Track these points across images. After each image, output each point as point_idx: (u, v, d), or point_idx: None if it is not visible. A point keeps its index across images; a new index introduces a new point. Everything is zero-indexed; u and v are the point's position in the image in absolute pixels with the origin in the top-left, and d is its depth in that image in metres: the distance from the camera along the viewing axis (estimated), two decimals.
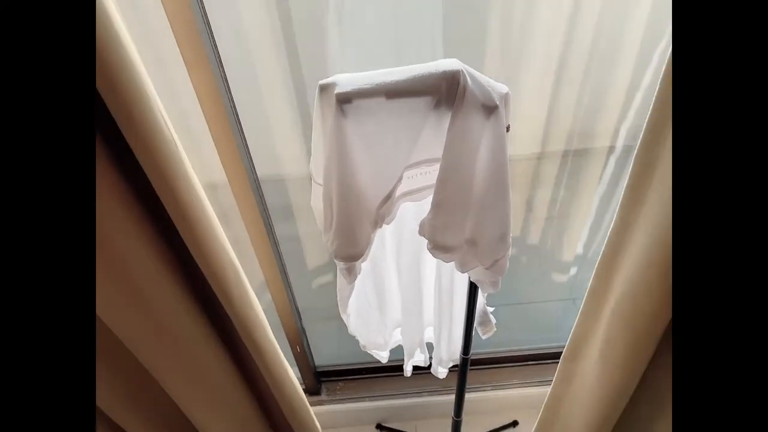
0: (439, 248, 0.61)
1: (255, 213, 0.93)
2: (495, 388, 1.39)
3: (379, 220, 0.63)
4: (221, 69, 0.77)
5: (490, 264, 0.63)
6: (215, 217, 0.66)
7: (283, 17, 0.90)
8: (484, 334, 0.92)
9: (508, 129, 0.57)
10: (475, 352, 1.42)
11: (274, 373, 0.85)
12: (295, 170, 1.11)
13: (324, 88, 0.52)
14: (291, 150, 1.07)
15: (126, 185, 0.56)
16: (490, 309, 0.89)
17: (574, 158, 1.20)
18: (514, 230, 1.35)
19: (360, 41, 0.95)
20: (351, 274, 0.67)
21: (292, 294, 1.15)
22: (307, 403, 1.03)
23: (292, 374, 0.94)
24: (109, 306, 0.60)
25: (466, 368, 0.97)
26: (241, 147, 0.84)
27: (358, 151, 0.55)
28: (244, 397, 0.95)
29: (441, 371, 0.96)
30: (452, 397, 1.37)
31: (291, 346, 1.25)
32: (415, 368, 1.36)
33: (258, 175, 0.94)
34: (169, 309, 0.68)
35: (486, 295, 0.85)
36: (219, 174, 0.90)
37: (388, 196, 0.60)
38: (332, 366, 1.44)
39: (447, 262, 0.63)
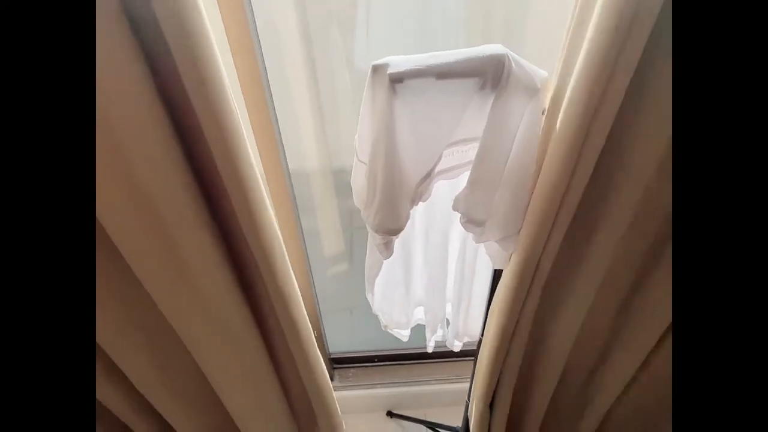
0: (472, 222, 0.64)
1: (287, 204, 0.97)
2: None
3: (416, 198, 0.67)
4: (262, 58, 0.81)
5: (500, 237, 0.67)
6: (267, 196, 0.69)
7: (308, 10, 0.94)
8: None
9: (544, 112, 0.62)
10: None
11: (307, 351, 0.89)
12: (316, 165, 1.15)
13: (377, 69, 0.56)
14: (314, 144, 1.11)
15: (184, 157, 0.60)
16: None
17: None
18: None
19: (385, 34, 1.00)
20: (388, 249, 0.71)
21: (313, 281, 1.19)
22: (330, 385, 1.06)
23: (319, 355, 0.97)
24: (153, 273, 0.63)
25: None
26: (278, 138, 0.88)
27: (405, 129, 0.59)
28: (267, 373, 0.98)
29: (456, 344, 1.00)
30: (461, 386, 1.41)
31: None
32: (426, 356, 1.40)
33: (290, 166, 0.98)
34: (207, 276, 0.72)
35: None
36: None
37: (428, 174, 0.64)
38: (345, 353, 1.47)
39: (477, 236, 0.67)
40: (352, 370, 1.49)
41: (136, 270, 0.64)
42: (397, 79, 0.55)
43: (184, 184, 0.62)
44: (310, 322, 1.25)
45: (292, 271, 0.79)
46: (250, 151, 0.61)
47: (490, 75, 0.55)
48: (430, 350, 1.02)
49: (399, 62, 0.56)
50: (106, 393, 0.87)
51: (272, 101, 0.86)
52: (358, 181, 0.69)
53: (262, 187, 0.66)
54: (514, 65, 0.55)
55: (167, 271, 0.67)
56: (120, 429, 1.08)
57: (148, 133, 0.54)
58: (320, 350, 1.33)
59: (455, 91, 0.57)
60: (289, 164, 0.97)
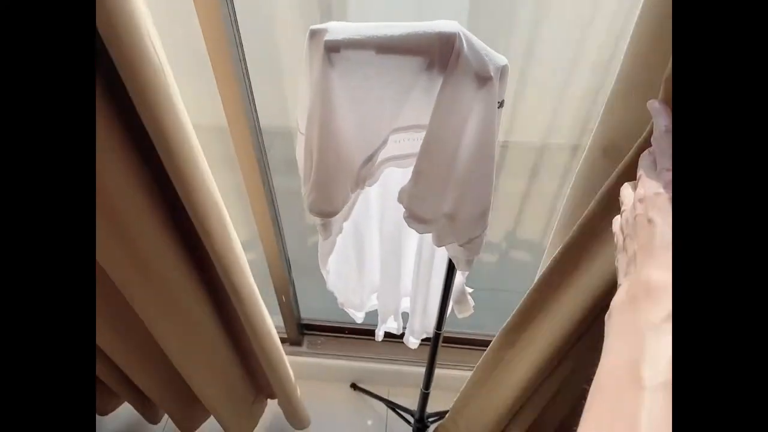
0: (414, 218, 0.59)
1: (252, 161, 0.92)
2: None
3: (360, 181, 0.62)
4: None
5: (465, 241, 0.62)
6: (201, 153, 0.65)
7: None
8: (460, 312, 0.91)
9: (501, 105, 0.55)
10: (462, 331, 1.43)
11: (251, 316, 0.87)
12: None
13: (314, 34, 0.50)
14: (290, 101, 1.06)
15: (113, 110, 0.56)
16: (469, 290, 0.88)
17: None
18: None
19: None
20: (326, 230, 0.67)
21: (284, 244, 1.16)
22: (281, 351, 1.05)
23: (268, 320, 0.95)
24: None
25: (438, 343, 0.97)
26: (243, 90, 0.83)
27: (343, 104, 0.54)
28: (221, 338, 0.98)
29: (412, 341, 0.97)
30: (440, 371, 1.39)
31: (277, 295, 1.27)
32: (396, 337, 1.38)
33: (261, 125, 0.93)
34: (150, 241, 0.69)
35: (466, 274, 0.84)
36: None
37: (370, 158, 0.58)
38: (317, 320, 1.46)
39: (420, 233, 0.61)
40: (321, 338, 1.49)
41: None
42: (333, 48, 0.49)
43: (121, 141, 0.59)
44: (276, 287, 1.24)
45: (233, 236, 0.76)
46: (176, 102, 0.57)
47: (437, 55, 0.49)
48: (378, 339, 0.99)
49: (339, 29, 0.50)
50: None
51: (239, 47, 0.79)
52: (299, 154, 0.64)
53: (193, 142, 0.62)
54: (465, 47, 0.48)
55: (114, 238, 0.65)
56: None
57: None
58: (288, 314, 1.33)
59: (398, 69, 0.51)
60: (260, 120, 0.92)
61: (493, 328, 1.40)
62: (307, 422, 1.32)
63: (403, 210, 0.61)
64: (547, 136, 1.11)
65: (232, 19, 0.77)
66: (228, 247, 0.73)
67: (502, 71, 0.52)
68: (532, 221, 1.32)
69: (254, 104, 0.89)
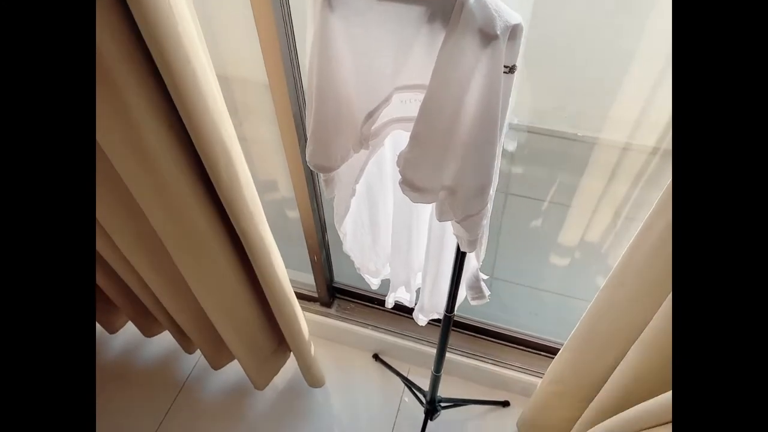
0: (408, 184, 0.56)
1: (288, 116, 0.93)
2: (495, 363, 1.34)
3: (363, 140, 0.60)
4: None
5: (461, 218, 0.58)
6: (214, 97, 0.67)
7: None
8: (473, 299, 0.87)
9: (513, 69, 0.49)
10: (484, 321, 1.38)
11: (261, 264, 0.89)
12: None
13: None
14: None
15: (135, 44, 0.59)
16: (484, 277, 0.84)
17: (663, 156, 1.03)
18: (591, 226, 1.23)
19: None
20: (328, 186, 0.66)
21: (318, 204, 1.17)
22: (294, 304, 1.07)
23: (280, 271, 0.97)
24: (118, 157, 0.66)
25: (449, 326, 0.94)
26: (284, 47, 0.83)
27: (343, 54, 0.52)
28: (242, 285, 1.02)
29: (421, 318, 0.94)
30: (454, 356, 1.36)
31: (309, 255, 1.30)
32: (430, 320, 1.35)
33: (304, 84, 0.93)
34: (181, 189, 0.73)
35: (481, 259, 0.80)
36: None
37: (371, 114, 0.56)
38: (349, 286, 1.48)
39: (414, 202, 0.58)
40: (352, 304, 1.50)
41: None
42: None
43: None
44: (311, 246, 1.27)
45: (242, 179, 0.77)
46: (184, 41, 0.58)
47: (439, 4, 0.45)
48: (388, 306, 0.97)
49: None
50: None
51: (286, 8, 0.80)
52: None
53: (201, 84, 0.63)
54: None
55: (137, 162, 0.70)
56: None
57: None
58: (319, 275, 1.36)
59: (400, 19, 0.48)
60: (302, 78, 0.92)
61: (529, 328, 1.35)
62: (321, 382, 1.36)
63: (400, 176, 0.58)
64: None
65: None
66: (237, 193, 0.75)
67: (513, 31, 0.46)
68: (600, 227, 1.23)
69: (296, 62, 0.89)
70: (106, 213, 0.84)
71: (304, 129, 1.00)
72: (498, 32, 0.44)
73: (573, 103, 1.09)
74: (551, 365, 1.02)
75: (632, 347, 0.74)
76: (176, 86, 0.59)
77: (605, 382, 0.83)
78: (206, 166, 0.70)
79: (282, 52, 0.83)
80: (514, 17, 0.46)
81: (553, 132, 1.17)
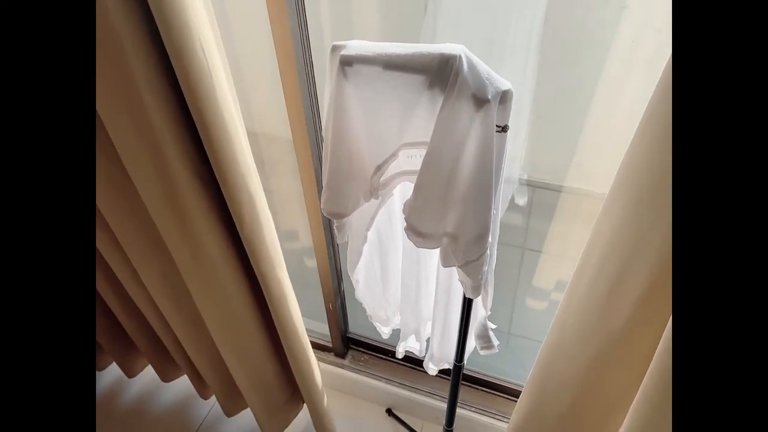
0: (412, 230, 0.61)
1: (310, 171, 1.01)
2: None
3: (373, 190, 0.65)
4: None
5: (462, 263, 0.62)
6: (242, 147, 0.74)
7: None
8: (482, 348, 0.88)
9: (504, 129, 0.55)
10: (500, 377, 1.35)
11: (278, 309, 0.93)
12: None
13: (335, 49, 0.56)
14: None
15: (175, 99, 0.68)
16: (492, 326, 0.85)
17: None
18: None
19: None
20: (340, 232, 0.71)
21: (335, 253, 1.22)
22: (309, 353, 1.09)
23: (297, 318, 1.00)
24: (153, 203, 0.73)
25: (459, 376, 0.94)
26: (307, 105, 0.92)
27: (355, 114, 0.58)
28: (259, 331, 1.06)
29: (431, 368, 0.95)
30: (468, 413, 1.33)
31: (325, 303, 1.33)
32: (444, 372, 1.34)
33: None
34: (204, 229, 0.80)
35: (489, 308, 0.82)
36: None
37: (380, 167, 0.62)
38: (364, 337, 1.49)
39: (418, 247, 0.63)
40: (366, 355, 1.51)
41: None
42: (346, 62, 0.55)
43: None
44: (327, 295, 1.30)
45: (264, 225, 0.83)
46: (220, 102, 0.66)
47: (436, 74, 0.51)
48: (398, 356, 0.99)
49: (356, 46, 0.55)
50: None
51: (307, 60, 0.88)
52: None
53: (232, 137, 0.70)
54: (465, 68, 0.50)
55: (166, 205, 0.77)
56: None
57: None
58: (334, 324, 1.38)
59: (404, 86, 0.54)
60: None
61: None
62: None
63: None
64: None
65: (304, 40, 0.87)
66: (259, 237, 0.81)
67: (504, 96, 0.52)
68: None
69: (317, 120, 0.98)
70: (135, 251, 0.91)
71: (321, 181, 1.07)
72: (489, 97, 0.51)
73: (589, 161, 1.13)
74: (514, 410, 1.00)
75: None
76: (210, 140, 0.67)
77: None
78: (232, 213, 0.76)
79: (305, 111, 0.92)
80: (504, 84, 0.52)
81: (569, 189, 1.20)
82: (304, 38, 0.86)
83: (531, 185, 1.20)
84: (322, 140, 1.01)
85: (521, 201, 1.26)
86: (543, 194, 1.23)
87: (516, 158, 1.12)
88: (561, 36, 0.89)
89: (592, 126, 1.03)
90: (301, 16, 0.84)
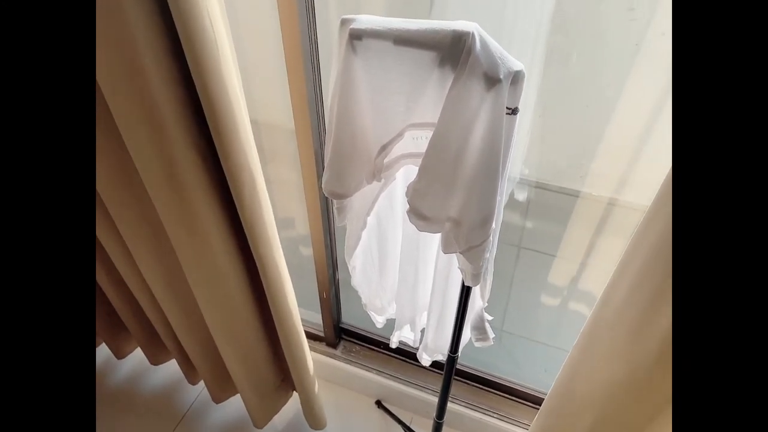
0: (415, 213, 0.60)
1: (310, 158, 1.00)
2: (501, 418, 1.30)
3: (376, 172, 0.64)
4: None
5: (465, 249, 0.61)
6: (243, 122, 0.72)
7: None
8: (477, 340, 0.87)
9: (515, 111, 0.54)
10: (492, 373, 1.35)
11: (274, 291, 0.92)
12: None
13: (344, 22, 0.55)
14: None
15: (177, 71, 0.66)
16: (488, 317, 0.85)
17: None
18: None
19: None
20: (339, 214, 0.70)
21: (332, 242, 1.21)
22: (302, 338, 1.08)
23: (291, 302, 0.99)
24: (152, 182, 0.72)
25: (452, 368, 0.93)
26: (311, 94, 0.91)
27: (362, 91, 0.57)
28: (253, 314, 1.04)
29: (425, 358, 0.94)
30: (459, 407, 1.33)
31: (319, 291, 1.32)
32: (436, 365, 1.33)
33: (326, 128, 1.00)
34: (198, 195, 0.78)
35: (486, 299, 0.81)
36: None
37: (385, 147, 0.61)
38: (356, 328, 1.48)
39: (420, 231, 0.62)
40: (358, 346, 1.50)
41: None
42: (356, 36, 0.53)
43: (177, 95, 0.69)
44: (321, 283, 1.29)
45: (264, 206, 0.81)
46: (225, 76, 0.65)
47: (448, 51, 0.50)
48: (392, 345, 0.98)
49: (366, 20, 0.54)
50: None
51: (312, 49, 0.87)
52: None
53: (236, 112, 0.69)
54: (478, 45, 0.49)
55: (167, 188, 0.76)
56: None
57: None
58: (327, 314, 1.37)
59: (414, 63, 0.53)
60: (325, 122, 0.98)
61: (542, 385, 1.31)
62: (323, 423, 1.33)
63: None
64: None
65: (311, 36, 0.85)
66: (258, 218, 0.80)
67: (515, 77, 0.51)
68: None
69: (320, 107, 0.96)
70: (128, 232, 0.89)
71: (323, 168, 1.06)
72: (501, 77, 0.50)
73: (590, 163, 1.13)
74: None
75: None
76: (214, 115, 0.66)
77: None
78: (232, 192, 0.75)
79: (308, 97, 0.91)
80: (517, 64, 0.51)
81: (568, 190, 1.20)
82: (311, 26, 0.85)
83: (532, 185, 1.20)
84: (324, 130, 1.00)
85: (521, 197, 1.25)
86: (543, 194, 1.23)
87: (518, 155, 1.11)
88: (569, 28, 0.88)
89: (592, 126, 1.03)
90: (310, 12, 0.83)
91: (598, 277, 1.26)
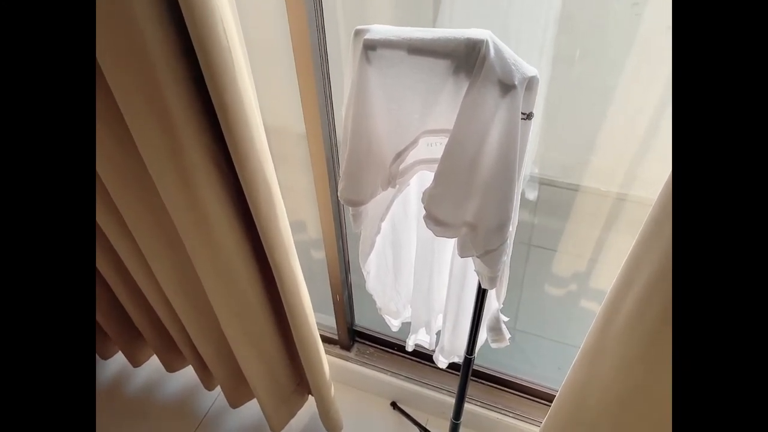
0: (431, 218, 0.60)
1: (322, 164, 1.00)
2: (517, 417, 1.30)
3: (391, 178, 0.65)
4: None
5: (482, 253, 0.61)
6: (258, 130, 0.73)
7: None
8: (493, 341, 0.88)
9: (529, 116, 0.54)
10: (506, 372, 1.35)
11: (289, 296, 0.93)
12: None
13: (358, 33, 0.55)
14: None
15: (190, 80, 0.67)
16: (504, 318, 0.85)
17: None
18: None
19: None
20: (356, 221, 0.71)
21: (344, 245, 1.22)
22: (318, 343, 1.09)
23: (307, 306, 1.00)
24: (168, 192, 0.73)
25: (469, 369, 0.94)
26: (322, 101, 0.91)
27: (377, 100, 0.58)
28: (269, 318, 1.05)
29: (441, 360, 0.95)
30: (475, 407, 1.33)
31: (332, 294, 1.33)
32: (452, 366, 1.33)
33: (338, 135, 1.00)
34: (213, 205, 0.79)
35: (502, 300, 0.81)
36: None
37: (400, 154, 0.61)
38: (370, 330, 1.49)
39: (437, 236, 0.62)
40: (372, 348, 1.50)
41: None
42: (370, 47, 0.54)
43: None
44: (334, 286, 1.30)
45: (278, 212, 0.82)
46: (239, 83, 0.66)
47: (463, 59, 0.51)
48: (408, 348, 0.98)
49: (380, 30, 0.54)
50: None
51: (322, 55, 0.88)
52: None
53: (253, 125, 0.70)
54: (492, 53, 0.50)
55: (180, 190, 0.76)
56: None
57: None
58: (341, 316, 1.38)
59: (429, 71, 0.54)
60: (336, 129, 0.99)
61: (554, 381, 1.31)
62: (339, 426, 1.34)
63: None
64: None
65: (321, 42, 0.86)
66: (274, 224, 0.81)
67: (530, 82, 0.52)
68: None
69: (332, 115, 0.97)
70: (147, 242, 0.90)
71: (335, 173, 1.07)
72: (516, 83, 0.50)
73: (599, 159, 1.13)
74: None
75: None
76: (229, 124, 0.67)
77: None
78: (248, 199, 0.76)
79: (319, 102, 0.92)
80: (531, 70, 0.52)
81: (578, 186, 1.20)
82: (321, 31, 0.86)
83: (541, 182, 1.20)
84: (335, 134, 1.01)
85: (531, 196, 1.25)
86: (552, 191, 1.23)
87: (528, 153, 1.11)
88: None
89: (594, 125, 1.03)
90: (319, 18, 0.84)
91: (610, 273, 1.26)
